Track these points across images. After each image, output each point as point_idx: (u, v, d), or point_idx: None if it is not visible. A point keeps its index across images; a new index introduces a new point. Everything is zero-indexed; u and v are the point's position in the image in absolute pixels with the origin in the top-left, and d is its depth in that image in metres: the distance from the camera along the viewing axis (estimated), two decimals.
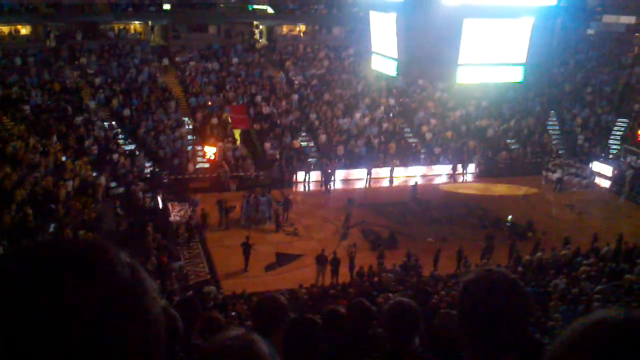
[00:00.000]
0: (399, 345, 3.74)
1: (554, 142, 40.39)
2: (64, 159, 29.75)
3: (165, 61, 41.51)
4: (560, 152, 39.48)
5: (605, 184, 35.65)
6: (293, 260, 25.11)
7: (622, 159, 36.09)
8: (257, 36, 46.87)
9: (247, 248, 24.05)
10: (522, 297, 2.16)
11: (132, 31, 44.82)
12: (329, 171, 34.08)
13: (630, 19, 48.35)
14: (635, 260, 22.17)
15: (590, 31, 49.47)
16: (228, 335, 1.34)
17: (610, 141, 39.21)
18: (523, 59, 27.98)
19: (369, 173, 35.02)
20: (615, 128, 40.07)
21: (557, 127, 41.88)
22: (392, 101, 41.13)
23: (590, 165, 36.65)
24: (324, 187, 33.65)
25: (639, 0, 47.18)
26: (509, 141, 39.58)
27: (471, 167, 36.89)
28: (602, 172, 36.33)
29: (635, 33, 47.48)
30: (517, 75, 28.58)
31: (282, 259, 25.25)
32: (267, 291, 19.14)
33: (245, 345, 1.30)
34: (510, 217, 29.47)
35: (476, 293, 2.14)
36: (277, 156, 34.99)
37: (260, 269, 24.28)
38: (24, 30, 42.59)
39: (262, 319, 3.88)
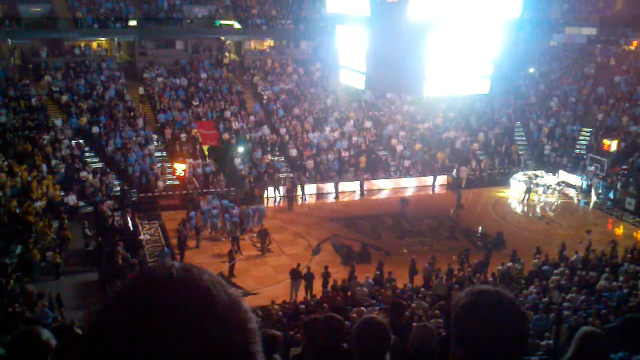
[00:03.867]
0: None
1: (520, 153, 40.91)
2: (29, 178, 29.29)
3: (141, 90, 41.05)
4: (527, 162, 39.99)
5: (573, 193, 36.13)
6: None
7: (589, 168, 36.68)
8: (226, 53, 46.73)
9: (231, 256, 25.07)
10: (521, 317, 2.03)
11: (98, 48, 44.39)
12: (296, 186, 34.10)
13: (592, 31, 49.35)
14: (604, 268, 22.51)
15: (552, 43, 50.37)
16: (162, 264, 1.11)
17: (576, 150, 39.83)
18: (489, 71, 28.35)
19: (337, 187, 35.11)
20: (581, 138, 40.74)
21: (524, 138, 42.45)
22: (368, 124, 41.15)
23: (557, 175, 37.16)
24: (288, 203, 33.44)
25: (599, 12, 48.29)
26: (477, 152, 39.97)
27: (440, 179, 37.24)
28: (569, 181, 36.84)
29: (596, 44, 48.46)
30: (483, 87, 28.87)
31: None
32: None
33: (184, 276, 1.07)
34: (480, 228, 29.75)
35: (474, 317, 1.99)
36: (247, 172, 34.83)
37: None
38: None
39: None
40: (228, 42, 47.09)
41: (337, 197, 35.04)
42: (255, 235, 28.26)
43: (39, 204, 27.02)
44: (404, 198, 32.51)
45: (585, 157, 38.31)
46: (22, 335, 3.65)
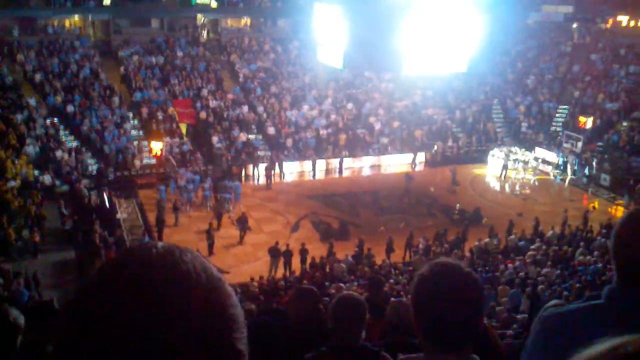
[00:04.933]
0: (345, 339, 3.74)
1: (498, 130, 41.16)
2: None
3: (122, 70, 40.47)
4: (504, 139, 40.25)
5: (549, 169, 36.43)
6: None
7: (564, 145, 36.98)
8: (203, 31, 46.20)
9: (210, 234, 24.75)
10: (477, 289, 2.11)
11: (71, 26, 43.65)
12: (275, 163, 34.03)
13: (568, 9, 49.62)
14: (579, 242, 22.85)
15: (530, 21, 50.54)
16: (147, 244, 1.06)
17: (552, 127, 40.15)
18: (467, 50, 28.40)
19: (314, 165, 35.07)
20: (557, 115, 41.07)
21: (501, 115, 42.68)
22: (349, 105, 40.92)
23: (533, 152, 37.43)
24: (267, 181, 33.39)
25: None
26: (454, 130, 40.14)
27: (420, 156, 37.38)
28: (546, 157, 37.13)
29: (573, 22, 48.72)
30: (461, 65, 28.95)
31: None
32: None
33: (168, 257, 1.02)
34: (458, 205, 29.97)
35: (431, 287, 2.07)
36: (224, 150, 34.63)
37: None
38: None
39: None
40: (205, 20, 46.61)
41: (314, 175, 35.04)
42: (235, 221, 28.03)
43: (13, 183, 26.69)
44: (408, 175, 32.53)
45: (561, 134, 38.63)
46: None
